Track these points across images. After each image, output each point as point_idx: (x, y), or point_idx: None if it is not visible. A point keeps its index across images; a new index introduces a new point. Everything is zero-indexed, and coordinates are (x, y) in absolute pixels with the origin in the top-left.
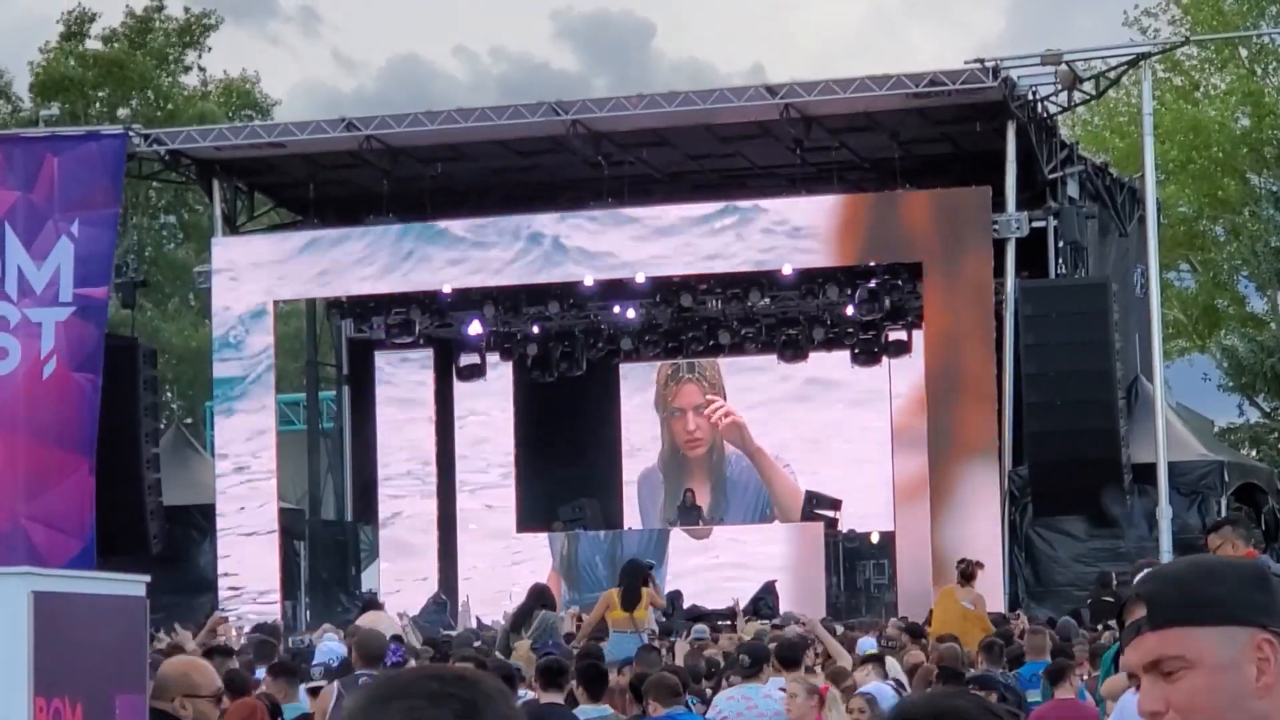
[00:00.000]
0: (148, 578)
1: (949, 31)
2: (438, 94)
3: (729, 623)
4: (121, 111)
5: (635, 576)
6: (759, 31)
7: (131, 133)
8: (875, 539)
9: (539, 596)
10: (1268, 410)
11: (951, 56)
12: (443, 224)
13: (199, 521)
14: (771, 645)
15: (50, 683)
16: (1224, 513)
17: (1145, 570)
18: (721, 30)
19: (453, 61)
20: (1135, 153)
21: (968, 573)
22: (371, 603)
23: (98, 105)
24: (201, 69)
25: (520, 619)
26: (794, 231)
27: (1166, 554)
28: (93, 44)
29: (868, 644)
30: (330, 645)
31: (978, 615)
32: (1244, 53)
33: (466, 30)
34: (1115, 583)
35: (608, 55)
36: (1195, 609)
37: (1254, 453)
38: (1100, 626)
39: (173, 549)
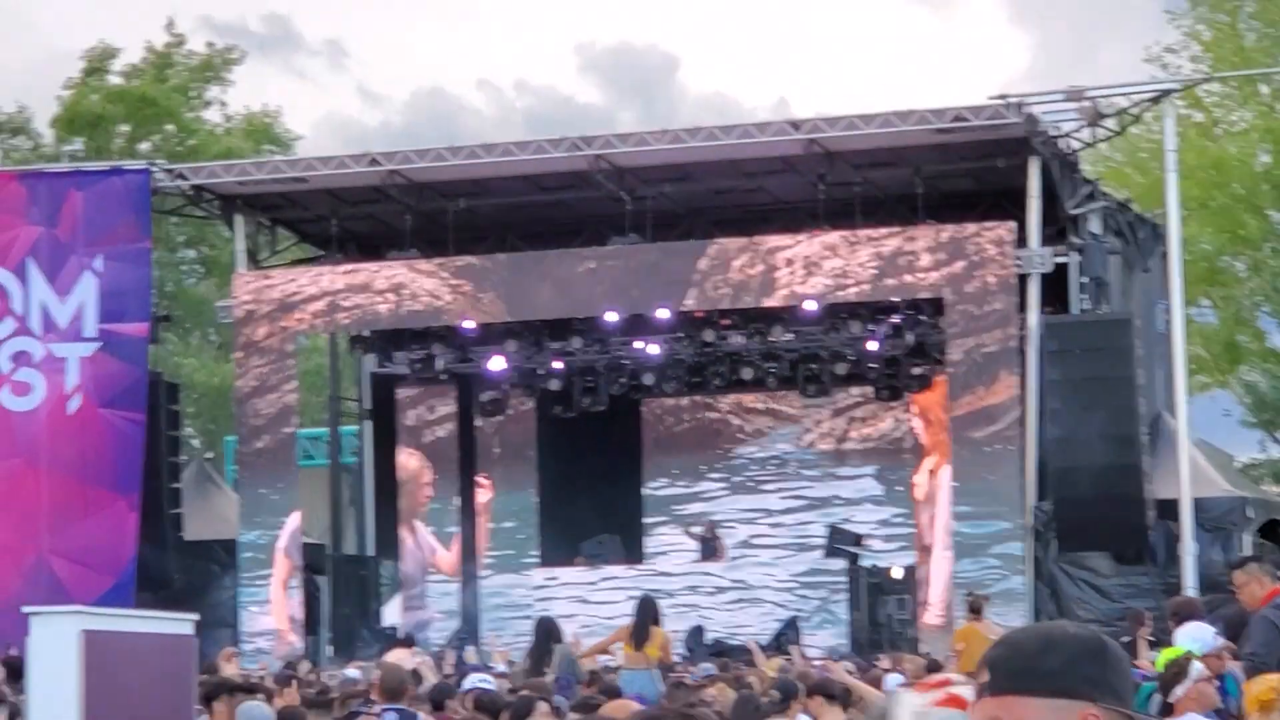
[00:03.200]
0: (196, 616)
1: (973, 67)
2: (462, 127)
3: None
4: (143, 146)
5: (646, 614)
6: (784, 65)
7: (154, 168)
8: (897, 574)
9: (549, 632)
10: None
11: (976, 92)
12: (466, 259)
13: (220, 556)
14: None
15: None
16: (1248, 549)
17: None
18: (746, 64)
19: (477, 95)
20: (1156, 189)
21: (976, 606)
22: (402, 640)
23: (119, 141)
24: (223, 104)
25: (539, 657)
26: (816, 266)
27: (1191, 590)
28: (114, 79)
29: (895, 680)
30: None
31: None
32: (1265, 90)
33: (491, 64)
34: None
35: (632, 89)
36: (1029, 679)
37: (1276, 488)
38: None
39: (194, 584)
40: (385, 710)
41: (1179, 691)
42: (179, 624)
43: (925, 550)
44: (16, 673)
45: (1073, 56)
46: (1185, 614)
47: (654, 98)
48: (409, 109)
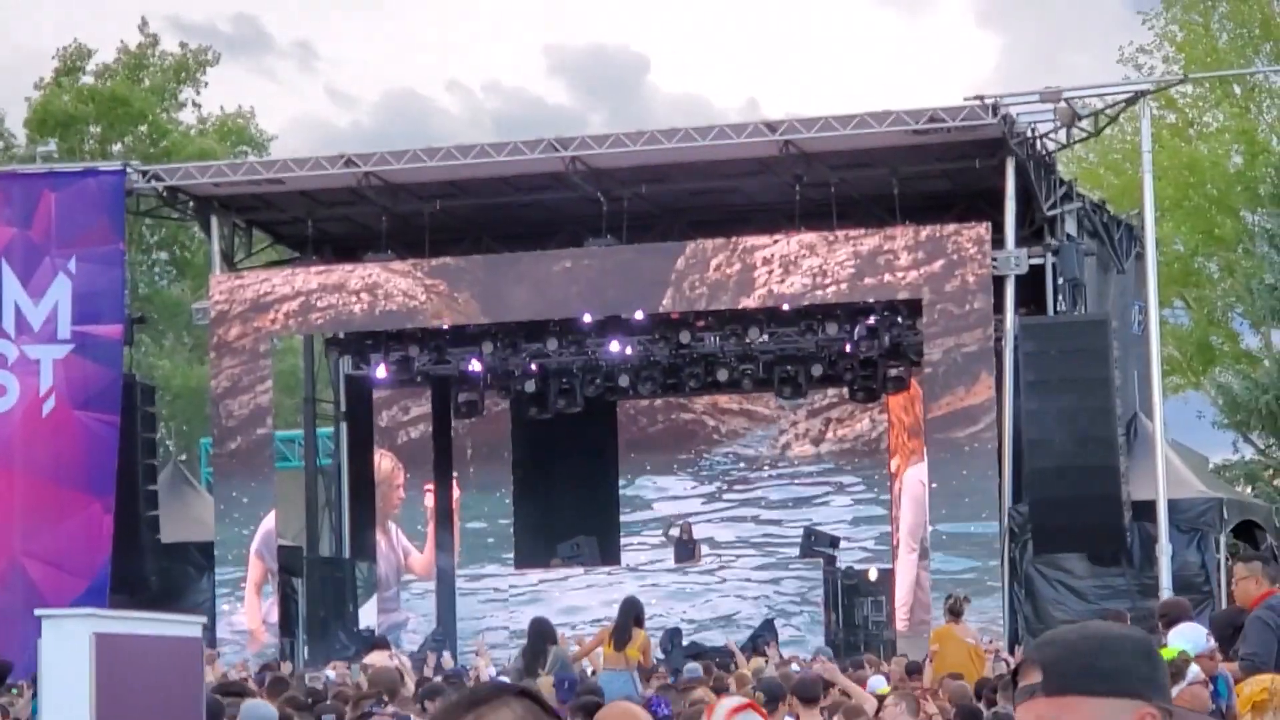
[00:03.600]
0: (204, 619)
1: (942, 69)
2: (433, 129)
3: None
4: (115, 148)
5: (628, 615)
6: (754, 66)
7: (130, 169)
8: (873, 576)
9: (543, 634)
10: (1263, 447)
11: (944, 93)
12: (442, 261)
13: (196, 559)
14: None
15: None
16: (1224, 550)
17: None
18: (717, 65)
19: (447, 96)
20: (1130, 190)
21: (956, 609)
22: (379, 642)
23: (91, 142)
24: (197, 105)
25: (533, 657)
26: (794, 267)
27: (1166, 590)
28: (87, 80)
29: (878, 682)
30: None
31: (979, 650)
32: (1238, 90)
33: (460, 65)
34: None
35: (603, 90)
36: (1090, 680)
37: (1249, 490)
38: None
39: (170, 587)
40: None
41: (1174, 692)
42: (187, 626)
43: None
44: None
45: (1040, 58)
46: (1175, 615)
47: (625, 99)
48: (379, 110)
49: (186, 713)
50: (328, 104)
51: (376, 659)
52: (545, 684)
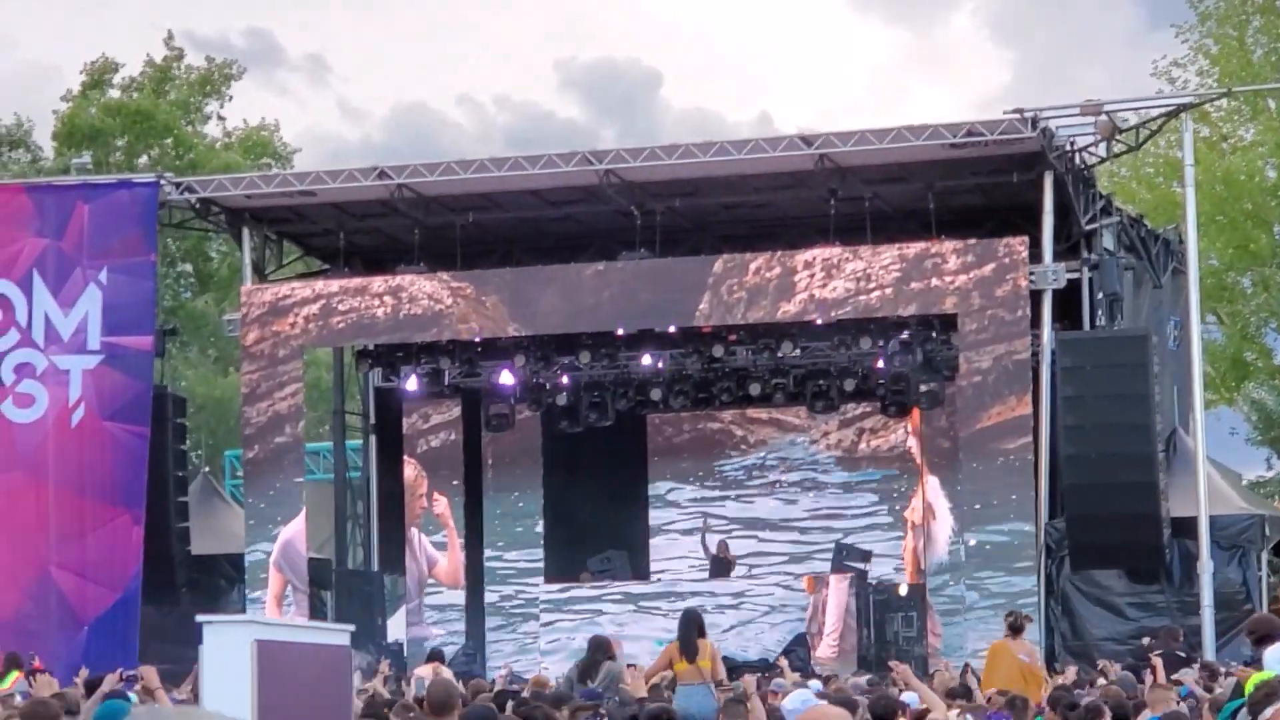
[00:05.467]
0: (352, 627)
1: (952, 84)
2: (444, 143)
3: (765, 675)
4: (141, 160)
5: (691, 627)
6: (766, 81)
7: (164, 181)
8: (904, 591)
9: (601, 648)
10: None
11: (954, 109)
12: (474, 273)
13: (226, 570)
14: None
15: None
16: (1264, 567)
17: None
18: (728, 80)
19: (458, 110)
20: (1163, 204)
21: (1017, 625)
22: (435, 654)
23: (118, 155)
24: (221, 118)
25: (586, 671)
26: (826, 282)
27: (1207, 608)
28: (113, 93)
29: (911, 699)
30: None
31: (1033, 669)
32: (1272, 104)
33: (471, 80)
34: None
35: (615, 105)
36: None
37: None
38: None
39: (201, 598)
40: None
41: (1268, 713)
42: (336, 634)
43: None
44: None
45: (1053, 75)
46: (1266, 633)
47: (637, 114)
48: (390, 124)
49: (339, 715)
50: (339, 117)
51: (423, 672)
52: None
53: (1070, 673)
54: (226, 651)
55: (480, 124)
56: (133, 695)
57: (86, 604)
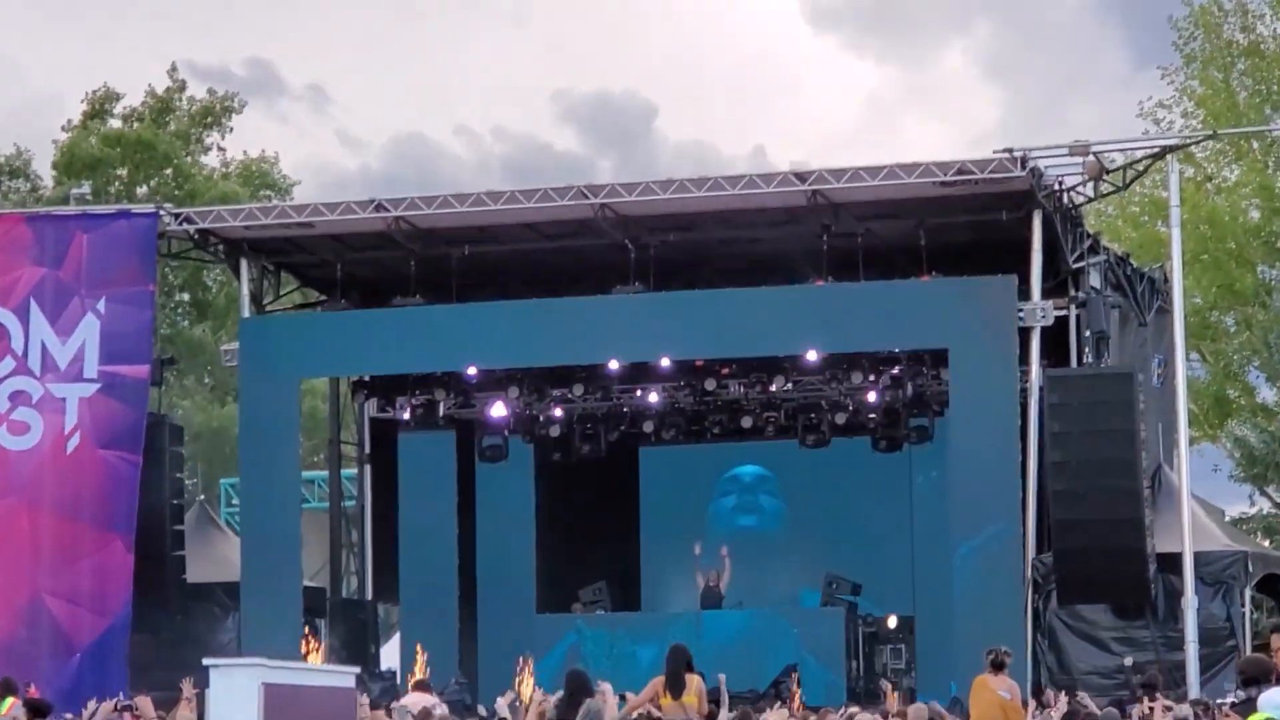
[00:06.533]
0: (357, 669)
1: (943, 120)
2: (441, 173)
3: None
4: (141, 190)
5: (680, 662)
6: (761, 115)
7: (163, 212)
8: (893, 623)
9: (581, 686)
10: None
11: (945, 146)
12: (469, 305)
13: (221, 599)
14: None
15: None
16: (1248, 603)
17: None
18: (724, 113)
19: (455, 141)
20: (1148, 243)
21: (998, 661)
22: (421, 684)
23: (117, 184)
24: (221, 149)
25: (569, 708)
26: (818, 316)
27: (1192, 644)
28: (114, 123)
29: None
30: None
31: (1015, 706)
32: (1255, 146)
33: (468, 110)
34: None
35: (611, 136)
36: None
37: (1267, 543)
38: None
39: (195, 628)
40: None
41: None
42: (342, 677)
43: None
44: (40, 711)
45: (1044, 113)
46: (1255, 675)
47: (633, 145)
48: (388, 154)
49: None
50: (337, 147)
51: (414, 701)
52: None
53: (1062, 702)
54: (235, 695)
55: (478, 154)
56: None
57: (79, 630)
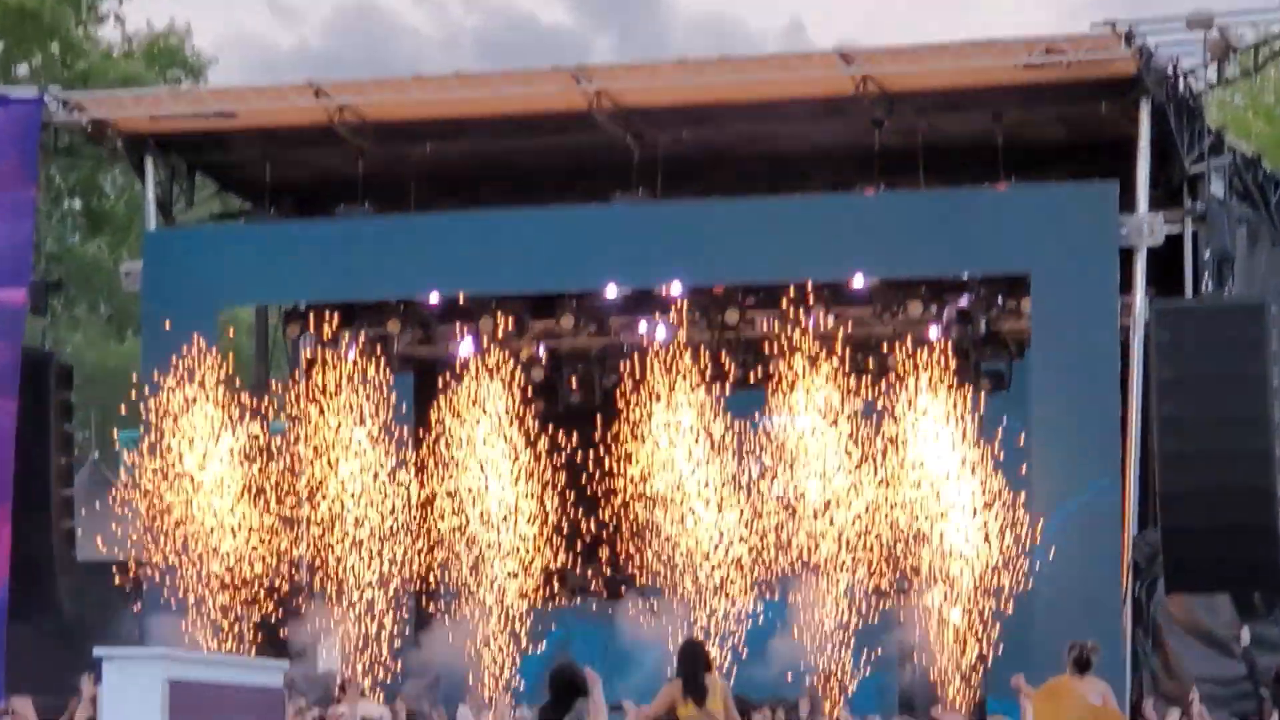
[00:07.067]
0: (285, 664)
1: None
2: (398, 52)
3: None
4: (21, 69)
5: (696, 663)
6: None
7: (47, 97)
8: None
9: (572, 686)
10: None
11: (1029, 21)
12: (431, 216)
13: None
14: None
15: None
16: None
17: None
18: None
19: (415, 12)
20: None
21: (1082, 660)
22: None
23: None
24: (120, 18)
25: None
26: (866, 233)
27: None
28: None
29: None
30: None
31: (1111, 713)
32: None
33: None
34: None
35: (610, 8)
36: None
37: None
38: None
39: (88, 614)
40: None
41: None
42: (268, 673)
43: None
44: None
45: None
46: None
47: (637, 18)
48: (330, 28)
49: None
50: (268, 19)
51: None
52: None
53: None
54: (134, 693)
55: (444, 28)
56: None
57: None
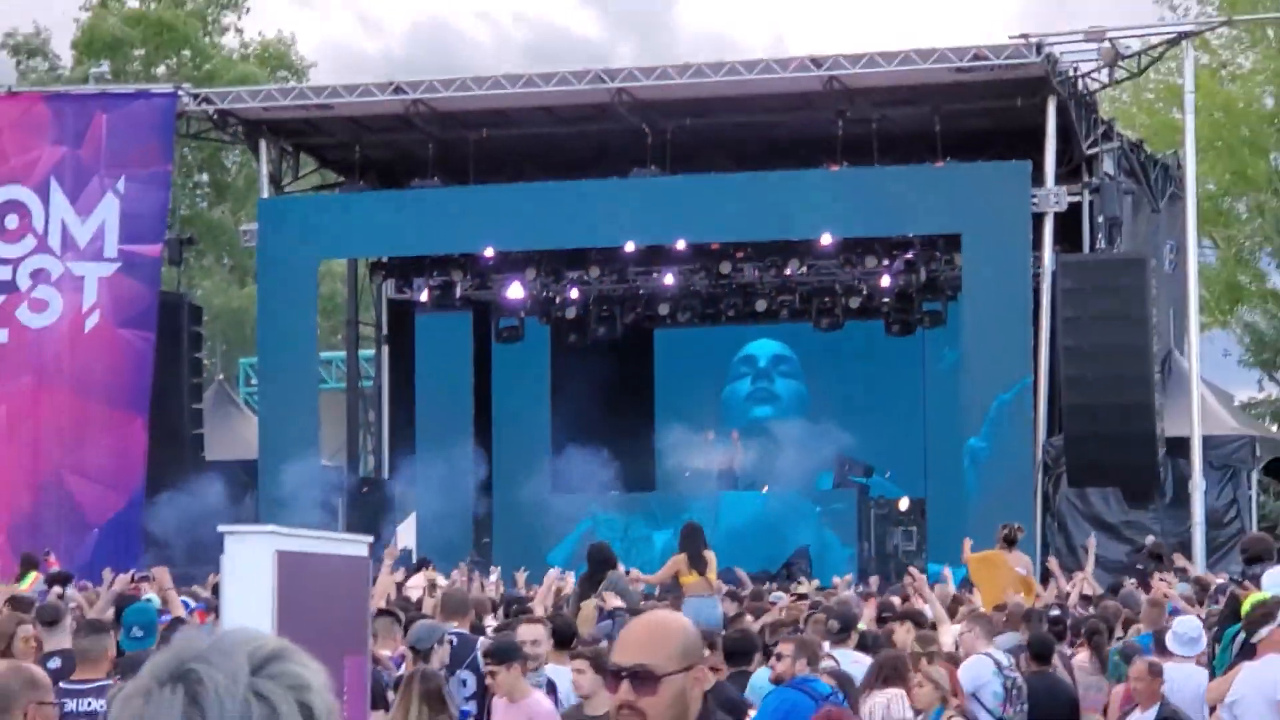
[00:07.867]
0: (370, 538)
1: (962, 6)
2: (462, 58)
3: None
4: (159, 70)
5: (698, 540)
6: (780, 3)
7: (182, 92)
8: (904, 506)
9: (604, 561)
10: None
11: (968, 31)
12: (486, 187)
13: (240, 477)
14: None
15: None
16: (1255, 487)
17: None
18: (744, 1)
19: (477, 26)
20: (1162, 130)
21: (1011, 537)
22: (422, 561)
23: (136, 64)
24: (239, 30)
25: (591, 584)
26: (833, 201)
27: (1199, 527)
28: (132, 3)
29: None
30: None
31: (1030, 581)
32: (1271, 33)
33: None
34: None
35: (631, 22)
36: None
37: (1275, 427)
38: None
39: (214, 505)
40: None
41: (1263, 632)
42: (355, 545)
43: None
44: (61, 581)
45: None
46: (1258, 553)
47: (652, 32)
48: (409, 39)
49: (356, 629)
50: (359, 31)
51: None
52: (588, 607)
53: (1078, 580)
54: (249, 561)
55: (499, 40)
56: (152, 596)
57: (96, 507)
